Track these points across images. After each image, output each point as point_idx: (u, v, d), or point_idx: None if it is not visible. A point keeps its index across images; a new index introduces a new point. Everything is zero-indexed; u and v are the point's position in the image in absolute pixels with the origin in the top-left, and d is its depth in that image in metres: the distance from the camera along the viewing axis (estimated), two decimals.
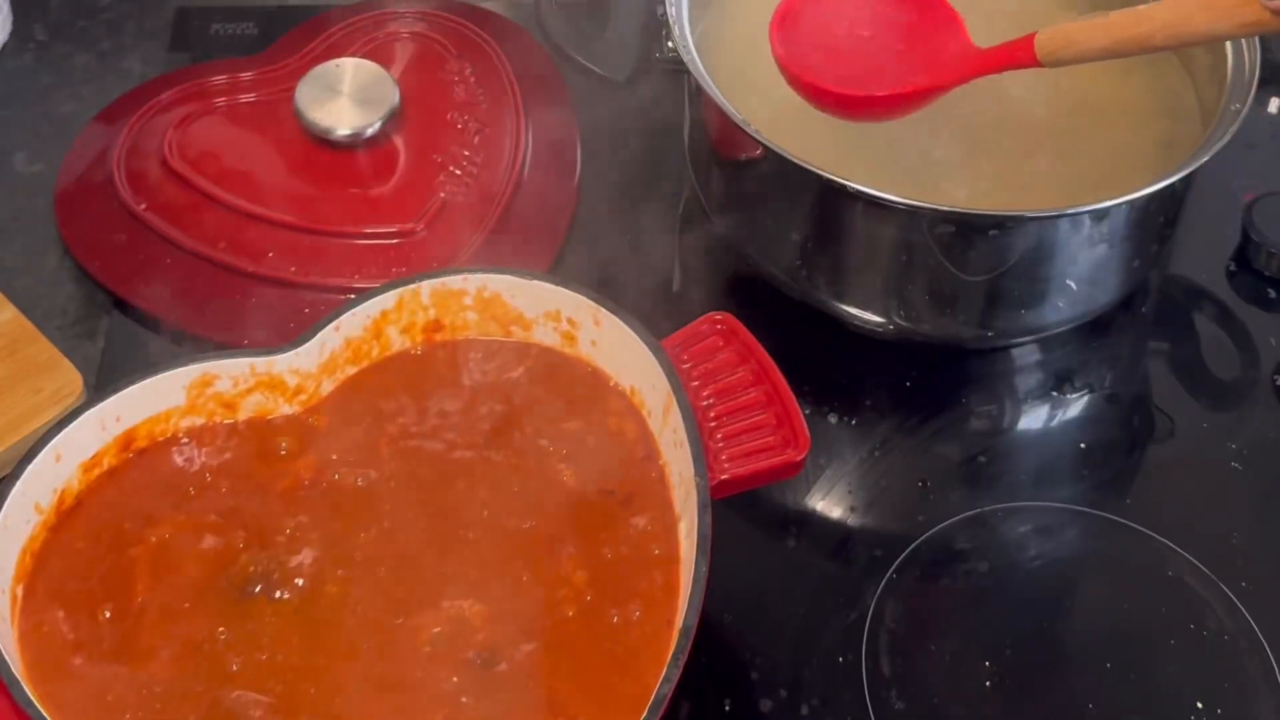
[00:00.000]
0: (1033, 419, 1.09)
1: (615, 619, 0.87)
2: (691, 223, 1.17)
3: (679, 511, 0.89)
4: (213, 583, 0.89)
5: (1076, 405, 1.08)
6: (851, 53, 1.04)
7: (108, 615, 0.87)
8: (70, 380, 1.03)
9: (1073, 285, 1.04)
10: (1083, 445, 1.06)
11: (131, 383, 0.92)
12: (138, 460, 0.93)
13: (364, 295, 0.96)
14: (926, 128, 1.08)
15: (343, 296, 1.01)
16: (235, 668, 0.86)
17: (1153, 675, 0.95)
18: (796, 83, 1.04)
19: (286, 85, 1.17)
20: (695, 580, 0.83)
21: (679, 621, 0.83)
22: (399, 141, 1.16)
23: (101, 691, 0.85)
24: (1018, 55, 1.00)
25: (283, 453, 0.94)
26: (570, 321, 0.97)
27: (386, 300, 0.97)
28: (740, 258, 1.11)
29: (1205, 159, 0.97)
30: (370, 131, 1.14)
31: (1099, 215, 0.99)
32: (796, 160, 0.98)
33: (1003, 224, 0.98)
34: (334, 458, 0.94)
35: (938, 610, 0.98)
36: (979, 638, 0.96)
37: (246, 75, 1.21)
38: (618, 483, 0.92)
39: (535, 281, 0.97)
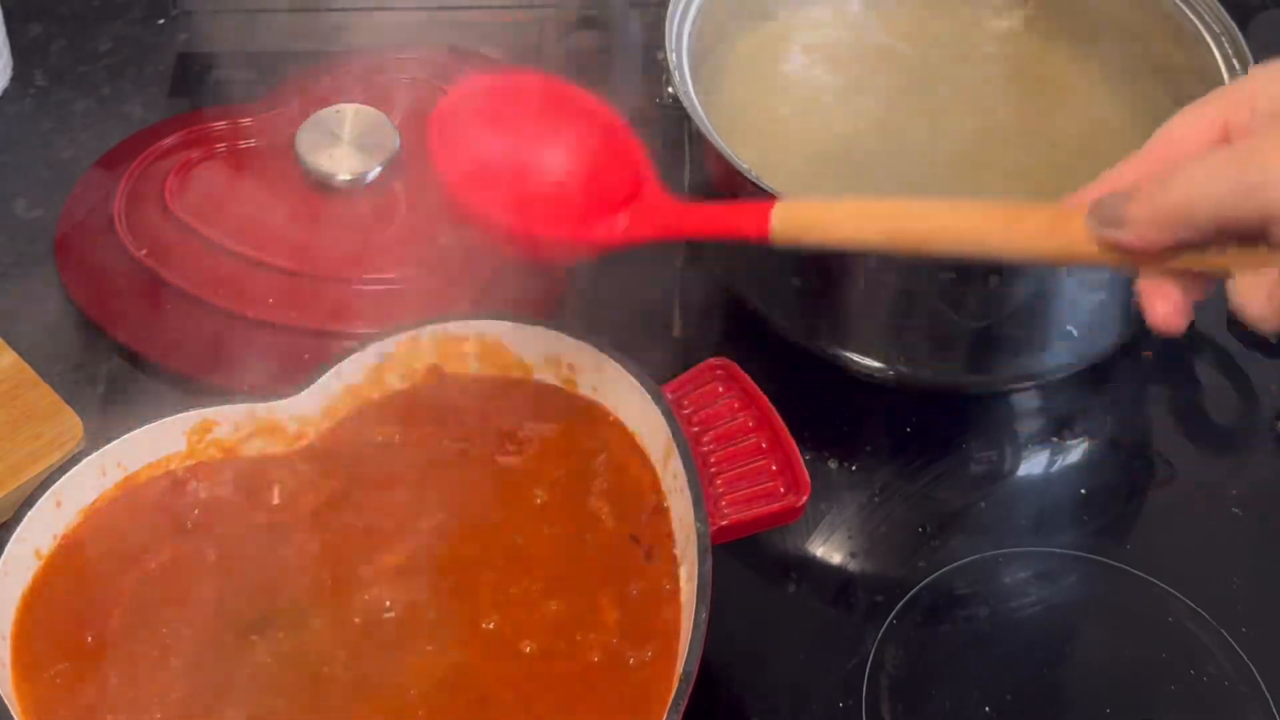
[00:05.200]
0: (1033, 465, 1.09)
1: (632, 661, 0.87)
2: (692, 268, 1.17)
3: (680, 556, 0.89)
4: (209, 620, 0.89)
5: (1077, 451, 1.08)
6: (529, 181, 0.91)
7: (103, 657, 0.87)
8: (71, 426, 1.03)
9: (1073, 331, 1.04)
10: (1083, 491, 1.06)
11: (132, 428, 0.92)
12: (133, 495, 0.93)
13: (365, 341, 0.97)
14: (921, 170, 1.08)
15: (343, 342, 1.00)
16: (229, 707, 0.85)
17: None
18: (453, 197, 0.90)
19: (287, 131, 1.17)
20: (695, 626, 0.83)
21: (679, 666, 0.83)
22: (399, 187, 1.16)
23: None
24: (745, 226, 0.85)
25: (282, 490, 0.94)
26: (570, 367, 0.97)
27: (387, 346, 0.97)
28: (740, 303, 1.11)
29: None
30: (371, 177, 1.14)
31: None
32: None
33: (1003, 270, 0.99)
34: (337, 495, 0.94)
35: (938, 656, 0.98)
36: (979, 683, 0.96)
37: (247, 121, 1.21)
38: (636, 526, 0.92)
39: (535, 327, 0.97)
